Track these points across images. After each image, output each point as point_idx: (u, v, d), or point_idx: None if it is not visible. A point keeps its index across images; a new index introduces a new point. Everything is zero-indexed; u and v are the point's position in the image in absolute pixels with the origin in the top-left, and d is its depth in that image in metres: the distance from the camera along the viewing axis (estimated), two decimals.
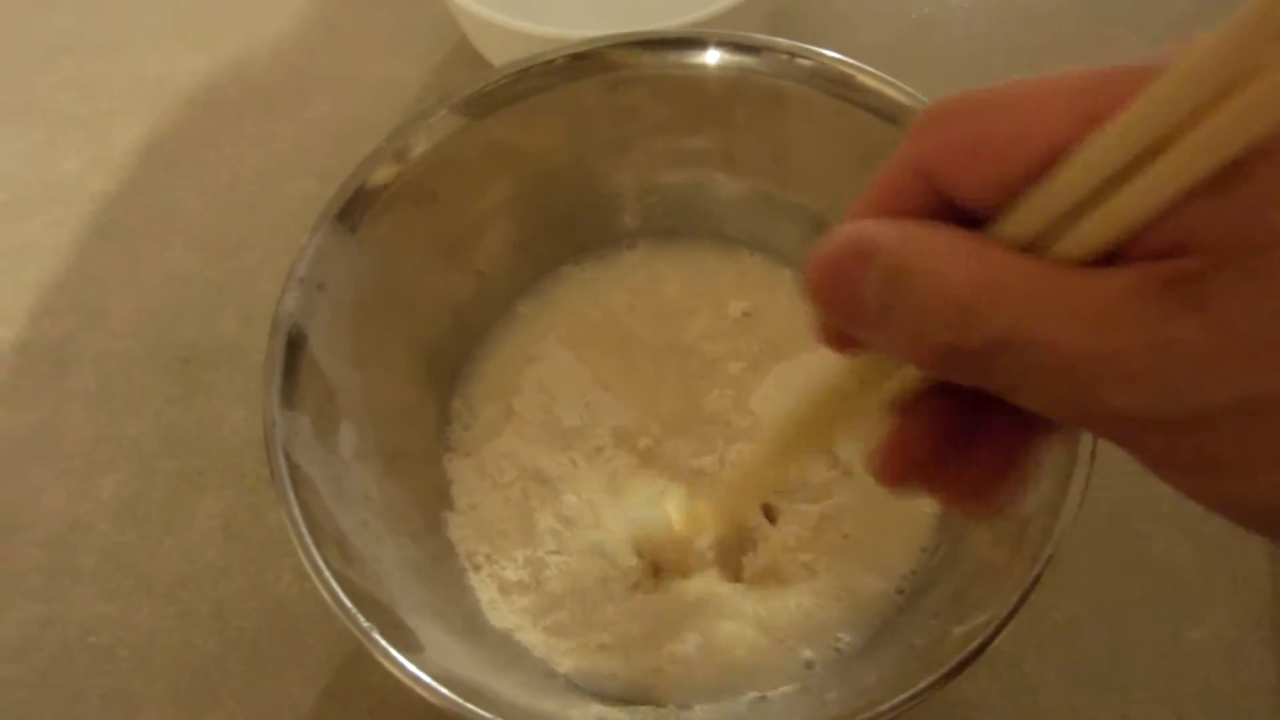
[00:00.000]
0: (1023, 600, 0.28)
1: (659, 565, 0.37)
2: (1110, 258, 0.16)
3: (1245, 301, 0.14)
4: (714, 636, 0.35)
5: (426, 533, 0.37)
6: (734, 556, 0.37)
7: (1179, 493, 0.17)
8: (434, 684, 0.28)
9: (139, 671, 0.39)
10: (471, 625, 0.36)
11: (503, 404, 0.41)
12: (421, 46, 0.56)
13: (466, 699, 0.28)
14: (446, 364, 0.41)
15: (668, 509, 0.37)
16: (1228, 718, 0.37)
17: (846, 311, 0.19)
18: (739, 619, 0.35)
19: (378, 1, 0.59)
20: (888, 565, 0.37)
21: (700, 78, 0.38)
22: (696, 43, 0.38)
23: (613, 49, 0.38)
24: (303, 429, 0.32)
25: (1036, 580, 0.28)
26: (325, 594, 0.29)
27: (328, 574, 0.29)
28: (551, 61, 0.38)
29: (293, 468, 0.31)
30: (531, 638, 0.36)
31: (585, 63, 0.38)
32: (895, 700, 0.28)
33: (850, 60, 0.37)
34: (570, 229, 0.43)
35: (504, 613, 0.36)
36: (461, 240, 0.40)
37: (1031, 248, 0.17)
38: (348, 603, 0.29)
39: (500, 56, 0.49)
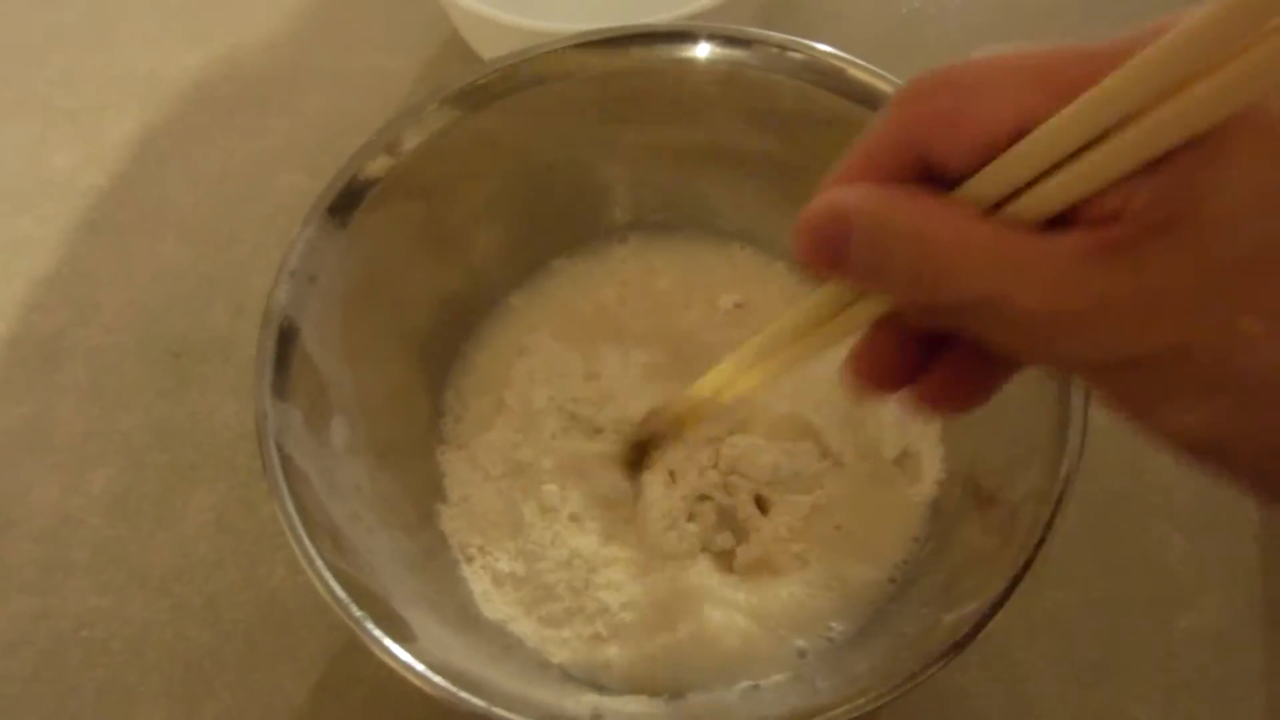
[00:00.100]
0: (1013, 588, 0.28)
1: (643, 444, 0.37)
2: (1060, 218, 0.18)
3: (1169, 265, 0.17)
4: (707, 626, 0.35)
5: (419, 525, 0.37)
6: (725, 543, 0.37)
7: (1129, 425, 0.20)
8: (428, 673, 0.28)
9: (133, 664, 0.39)
10: (465, 616, 0.36)
11: (494, 397, 0.41)
12: (413, 41, 0.56)
13: (461, 687, 0.28)
14: (438, 357, 0.41)
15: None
16: (1217, 706, 0.37)
17: (833, 267, 0.21)
18: (732, 609, 0.35)
19: None
20: (879, 555, 0.37)
21: (691, 71, 0.38)
22: (688, 36, 0.38)
23: (603, 43, 0.38)
24: (295, 422, 0.32)
25: (1026, 568, 0.29)
26: (318, 585, 0.29)
27: (320, 565, 0.29)
28: (543, 55, 0.38)
29: (285, 460, 0.31)
30: (525, 628, 0.36)
31: (576, 56, 0.38)
32: (887, 688, 0.28)
33: (842, 53, 0.37)
34: (562, 222, 0.43)
35: (497, 604, 0.36)
36: (453, 233, 0.40)
37: (996, 208, 0.19)
38: (341, 593, 0.29)
39: (492, 50, 0.49)
